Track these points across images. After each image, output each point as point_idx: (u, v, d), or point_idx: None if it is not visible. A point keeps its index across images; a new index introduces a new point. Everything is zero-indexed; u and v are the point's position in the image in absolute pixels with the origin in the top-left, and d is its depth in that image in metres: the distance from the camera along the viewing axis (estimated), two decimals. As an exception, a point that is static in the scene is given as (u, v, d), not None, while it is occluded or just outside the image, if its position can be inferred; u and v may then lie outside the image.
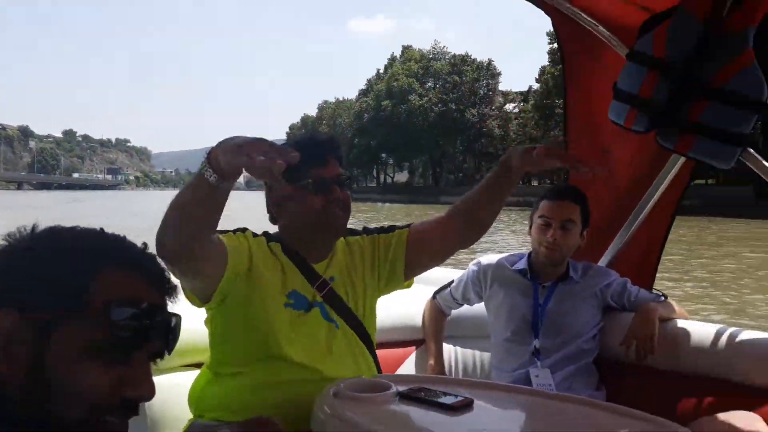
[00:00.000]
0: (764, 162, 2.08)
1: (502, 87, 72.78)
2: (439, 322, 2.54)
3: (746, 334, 2.08)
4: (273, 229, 1.82)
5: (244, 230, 1.73)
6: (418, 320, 2.54)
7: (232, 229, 1.71)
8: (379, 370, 1.80)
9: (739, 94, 1.98)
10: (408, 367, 2.44)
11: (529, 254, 2.42)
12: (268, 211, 1.78)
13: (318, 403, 1.40)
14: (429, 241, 1.82)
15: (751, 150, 2.05)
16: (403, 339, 2.50)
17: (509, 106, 69.50)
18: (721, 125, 2.00)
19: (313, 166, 1.66)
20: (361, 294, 1.77)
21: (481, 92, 70.90)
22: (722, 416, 1.84)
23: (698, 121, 2.03)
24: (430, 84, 74.44)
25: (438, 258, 1.87)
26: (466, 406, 1.38)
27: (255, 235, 1.74)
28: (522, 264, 2.41)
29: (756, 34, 2.01)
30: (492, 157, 64.19)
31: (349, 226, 1.81)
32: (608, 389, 2.26)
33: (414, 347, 2.51)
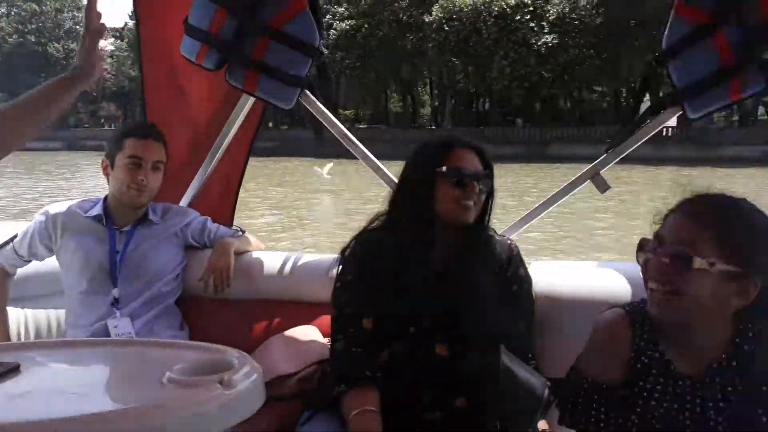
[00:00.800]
0: (319, 104, 2.29)
1: (92, 21, 66.22)
2: (1, 285, 2.21)
3: (306, 257, 2.30)
4: None
5: None
6: None
7: None
8: None
9: (295, 37, 2.12)
10: None
11: (105, 198, 2.26)
12: None
13: None
14: None
15: (308, 92, 2.24)
16: None
17: (103, 43, 63.95)
18: (280, 66, 2.13)
19: None
20: None
21: (67, 25, 63.46)
22: (288, 332, 2.04)
23: (261, 59, 2.12)
24: (2, 11, 63.55)
25: None
26: (10, 372, 1.21)
27: None
28: (97, 209, 2.23)
29: None
30: (88, 94, 58.88)
31: None
32: (192, 327, 2.28)
33: None
